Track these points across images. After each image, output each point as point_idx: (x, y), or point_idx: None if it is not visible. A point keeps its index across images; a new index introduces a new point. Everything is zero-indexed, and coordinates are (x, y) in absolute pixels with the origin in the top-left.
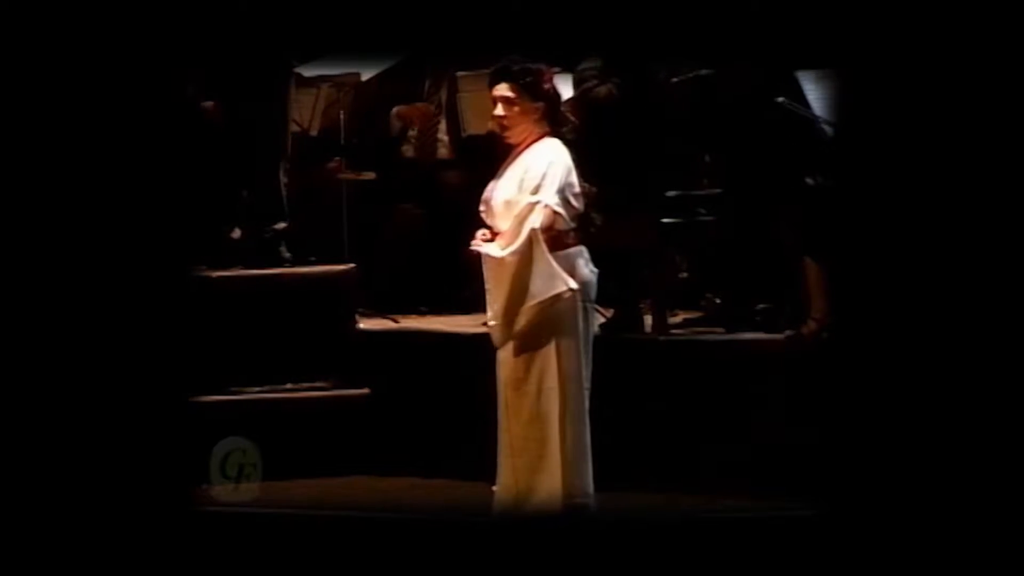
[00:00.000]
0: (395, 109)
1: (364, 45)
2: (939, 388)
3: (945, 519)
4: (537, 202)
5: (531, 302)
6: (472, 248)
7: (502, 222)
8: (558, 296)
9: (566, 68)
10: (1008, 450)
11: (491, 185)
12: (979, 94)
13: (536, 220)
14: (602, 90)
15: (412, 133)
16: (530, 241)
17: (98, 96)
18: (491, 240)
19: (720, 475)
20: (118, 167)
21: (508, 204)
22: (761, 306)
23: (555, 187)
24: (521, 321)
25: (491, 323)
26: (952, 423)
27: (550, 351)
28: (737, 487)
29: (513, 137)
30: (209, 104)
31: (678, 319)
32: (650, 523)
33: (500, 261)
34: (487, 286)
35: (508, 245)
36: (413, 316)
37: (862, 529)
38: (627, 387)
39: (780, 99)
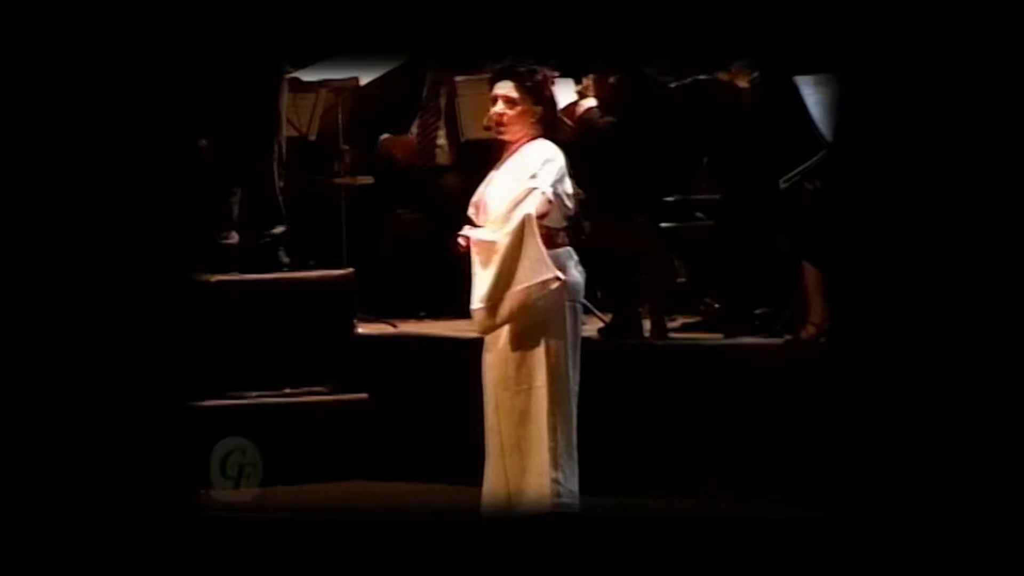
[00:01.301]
0: (382, 138)
1: (362, 49)
2: (939, 392)
3: (945, 523)
4: (533, 188)
5: (517, 287)
6: (462, 234)
7: (495, 221)
8: (545, 283)
9: (565, 73)
10: (1009, 454)
11: (482, 187)
12: (980, 98)
13: (531, 205)
14: (603, 122)
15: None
16: (523, 225)
17: (94, 99)
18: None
19: (719, 480)
20: (115, 171)
21: (503, 201)
22: (760, 311)
23: (551, 179)
24: (505, 307)
25: (475, 307)
26: (953, 427)
27: (539, 350)
28: (736, 492)
29: (508, 135)
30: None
31: (677, 324)
32: (649, 527)
33: (491, 244)
34: (474, 269)
35: (500, 229)
36: (412, 321)
37: (862, 534)
38: (626, 391)
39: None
